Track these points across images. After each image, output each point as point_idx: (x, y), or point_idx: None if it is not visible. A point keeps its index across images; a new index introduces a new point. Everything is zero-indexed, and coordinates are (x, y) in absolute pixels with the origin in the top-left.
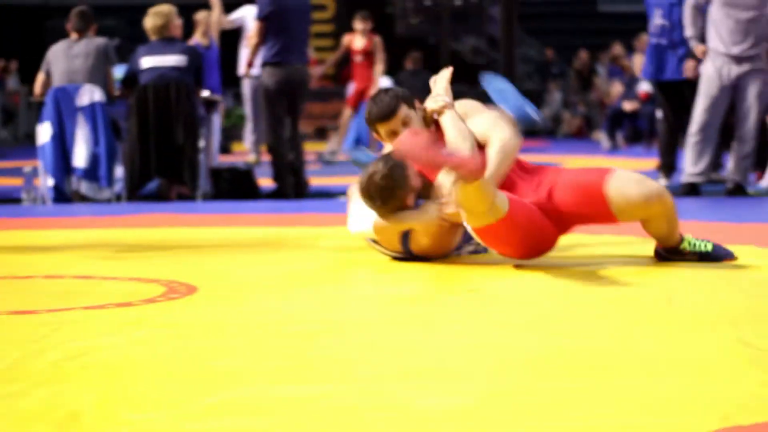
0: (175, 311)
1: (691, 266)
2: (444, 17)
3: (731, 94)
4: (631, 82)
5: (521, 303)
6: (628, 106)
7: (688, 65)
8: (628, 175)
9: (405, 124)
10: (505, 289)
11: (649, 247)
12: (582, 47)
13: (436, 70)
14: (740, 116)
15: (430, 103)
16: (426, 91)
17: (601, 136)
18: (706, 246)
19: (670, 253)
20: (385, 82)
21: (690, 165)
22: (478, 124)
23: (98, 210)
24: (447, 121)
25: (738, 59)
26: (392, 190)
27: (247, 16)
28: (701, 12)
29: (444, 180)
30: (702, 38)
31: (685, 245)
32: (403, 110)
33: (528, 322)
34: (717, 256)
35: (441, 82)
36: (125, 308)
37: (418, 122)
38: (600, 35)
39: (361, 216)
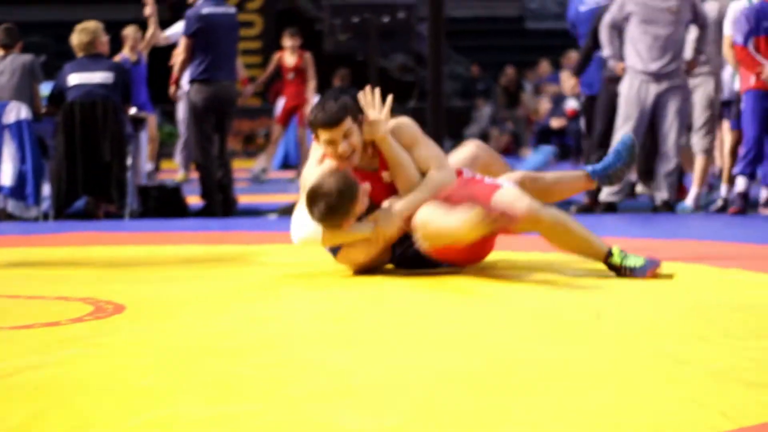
0: (102, 330)
1: (621, 282)
2: (372, 34)
3: (651, 114)
4: (558, 99)
5: (449, 321)
6: (556, 123)
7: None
8: (512, 192)
9: (346, 136)
10: (434, 307)
11: (579, 264)
12: (509, 64)
13: (364, 87)
14: (662, 134)
15: (369, 129)
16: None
17: (529, 153)
18: (636, 261)
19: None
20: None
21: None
22: (425, 153)
23: (25, 228)
24: (390, 150)
25: (657, 76)
26: (339, 208)
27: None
28: (618, 30)
29: (421, 217)
30: (621, 56)
31: (615, 260)
32: (348, 122)
33: (456, 339)
34: (644, 270)
35: (376, 106)
36: (53, 328)
37: (357, 137)
38: (527, 52)
39: (304, 224)
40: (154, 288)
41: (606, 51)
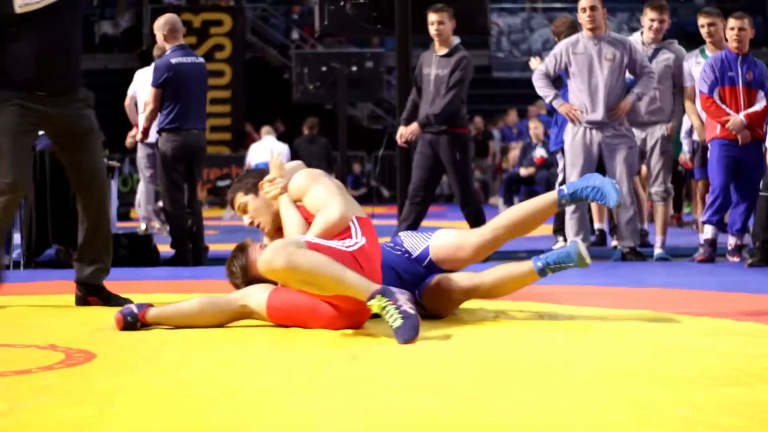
0: (73, 378)
1: (587, 326)
2: (340, 83)
3: (597, 161)
4: (527, 147)
5: (403, 367)
6: (524, 171)
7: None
8: (285, 243)
9: (244, 211)
10: (387, 354)
11: (550, 309)
12: (477, 113)
13: (333, 136)
14: None
15: (267, 188)
16: (322, 157)
17: (498, 201)
18: (396, 321)
19: None
20: (280, 147)
21: (573, 235)
22: (312, 199)
23: None
24: (282, 208)
25: (599, 125)
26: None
27: (140, 83)
28: (550, 79)
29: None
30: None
31: (374, 308)
32: (239, 198)
33: (424, 384)
34: (401, 333)
35: (274, 169)
36: (24, 375)
37: (256, 207)
38: (494, 101)
39: None
40: (125, 336)
41: (547, 97)
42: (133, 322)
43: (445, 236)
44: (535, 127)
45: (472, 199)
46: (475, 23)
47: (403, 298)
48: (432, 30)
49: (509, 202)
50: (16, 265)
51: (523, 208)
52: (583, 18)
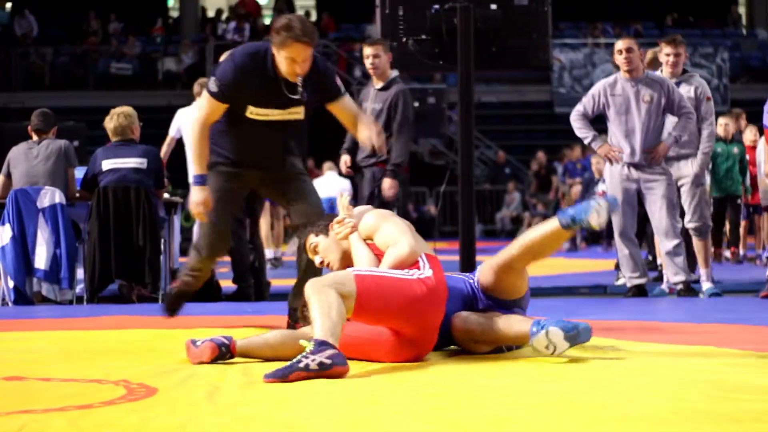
0: (135, 413)
1: (649, 362)
2: None
3: (636, 197)
4: (589, 182)
5: (463, 403)
6: None
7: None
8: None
9: (315, 252)
10: (449, 389)
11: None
12: (539, 148)
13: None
14: (655, 219)
15: (337, 228)
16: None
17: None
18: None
19: None
20: (342, 183)
21: (629, 273)
22: (382, 237)
23: (59, 312)
24: (352, 246)
25: (636, 166)
26: None
27: (183, 122)
28: (588, 119)
29: None
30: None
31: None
32: (310, 240)
33: (470, 426)
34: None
35: (343, 210)
36: (85, 410)
37: (326, 248)
38: (556, 137)
39: None
40: (187, 372)
41: (586, 138)
42: (225, 353)
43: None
44: (597, 163)
45: None
46: (537, 59)
47: (326, 354)
48: (367, 63)
49: (571, 238)
50: (79, 300)
51: (534, 229)
52: (619, 60)
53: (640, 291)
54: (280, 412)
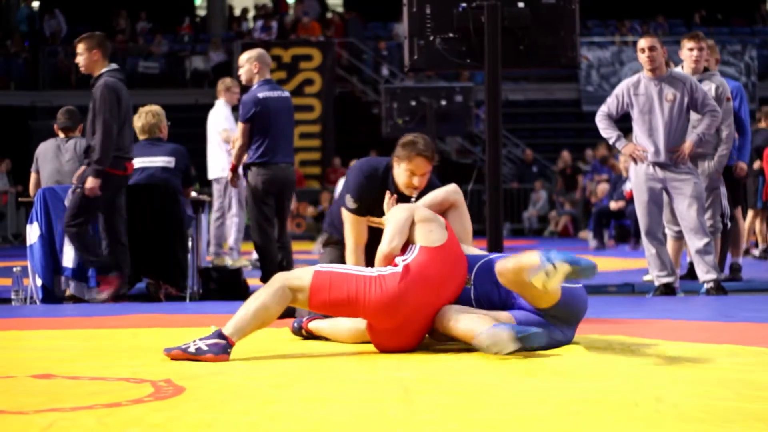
0: (162, 412)
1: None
2: (429, 118)
3: (661, 194)
4: (617, 181)
5: (497, 404)
6: (614, 205)
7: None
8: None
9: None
10: (475, 386)
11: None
12: (566, 146)
13: None
14: (683, 217)
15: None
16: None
17: (588, 236)
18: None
19: None
20: None
21: (656, 271)
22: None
23: (87, 310)
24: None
25: (662, 165)
26: None
27: (209, 122)
28: (613, 119)
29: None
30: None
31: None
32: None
33: (498, 425)
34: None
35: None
36: (113, 408)
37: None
38: (583, 135)
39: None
40: (215, 370)
41: (610, 138)
42: (298, 329)
43: None
44: (624, 161)
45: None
46: (564, 57)
47: (209, 342)
48: None
49: (599, 236)
50: (107, 298)
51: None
52: (642, 59)
53: (667, 289)
54: (309, 410)
